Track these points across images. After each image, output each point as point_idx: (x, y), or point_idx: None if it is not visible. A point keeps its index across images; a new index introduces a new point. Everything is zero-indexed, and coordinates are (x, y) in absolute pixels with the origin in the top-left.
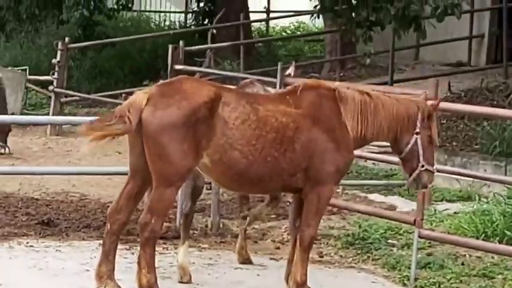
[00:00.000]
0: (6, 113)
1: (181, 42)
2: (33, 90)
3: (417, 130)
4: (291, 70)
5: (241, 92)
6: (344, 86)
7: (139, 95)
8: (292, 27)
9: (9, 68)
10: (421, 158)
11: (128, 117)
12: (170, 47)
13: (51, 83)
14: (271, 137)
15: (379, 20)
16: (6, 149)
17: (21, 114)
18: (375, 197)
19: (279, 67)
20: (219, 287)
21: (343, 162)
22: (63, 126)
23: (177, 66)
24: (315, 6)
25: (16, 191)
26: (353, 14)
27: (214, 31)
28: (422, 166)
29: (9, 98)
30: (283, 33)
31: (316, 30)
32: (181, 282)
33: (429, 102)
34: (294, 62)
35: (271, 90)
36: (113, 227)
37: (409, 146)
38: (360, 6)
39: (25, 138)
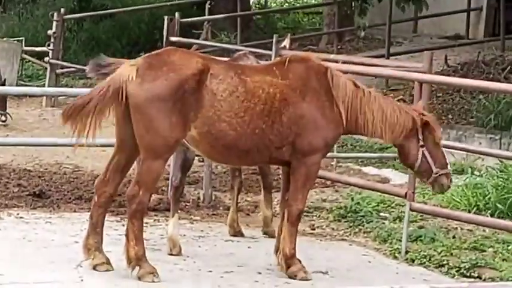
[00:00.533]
0: (2, 83)
1: (177, 14)
2: (29, 61)
3: (421, 143)
4: (286, 42)
5: (229, 63)
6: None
7: (126, 68)
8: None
9: (5, 39)
10: (433, 167)
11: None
12: (166, 18)
13: (47, 54)
14: (259, 109)
15: None
16: (8, 116)
17: (17, 85)
18: (368, 169)
19: (274, 39)
20: (209, 259)
21: (332, 135)
22: (59, 97)
23: (173, 38)
24: None
25: (9, 162)
26: None
27: (212, 3)
28: (437, 173)
29: (5, 69)
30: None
31: (315, 2)
32: (171, 254)
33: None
34: (289, 35)
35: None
36: (100, 200)
37: (419, 161)
38: None
39: (21, 110)
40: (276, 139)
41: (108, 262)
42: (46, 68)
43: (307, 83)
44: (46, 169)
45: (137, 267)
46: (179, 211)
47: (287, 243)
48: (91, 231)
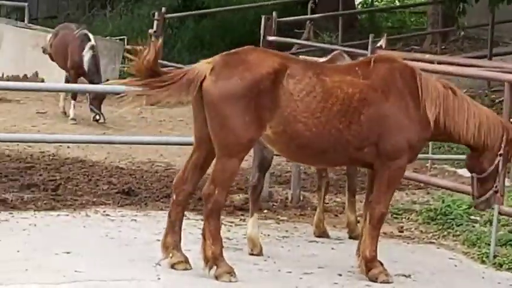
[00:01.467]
0: (100, 80)
1: (274, 13)
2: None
3: (501, 152)
4: (382, 42)
5: (309, 62)
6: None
7: (203, 65)
8: None
9: (107, 37)
10: (497, 181)
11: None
12: (263, 17)
13: None
14: (336, 109)
15: None
16: (101, 116)
17: None
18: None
19: (370, 39)
20: (290, 260)
21: (417, 138)
22: None
23: (270, 38)
24: None
25: (102, 160)
26: None
27: (316, 2)
28: (496, 188)
29: (107, 67)
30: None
31: (420, 1)
32: (251, 254)
33: None
34: (385, 35)
35: None
36: (179, 198)
37: (493, 167)
38: None
39: (120, 108)
40: (354, 140)
41: (186, 261)
42: None
43: (390, 83)
44: (138, 167)
45: (214, 267)
46: (266, 211)
47: (368, 246)
48: (169, 229)
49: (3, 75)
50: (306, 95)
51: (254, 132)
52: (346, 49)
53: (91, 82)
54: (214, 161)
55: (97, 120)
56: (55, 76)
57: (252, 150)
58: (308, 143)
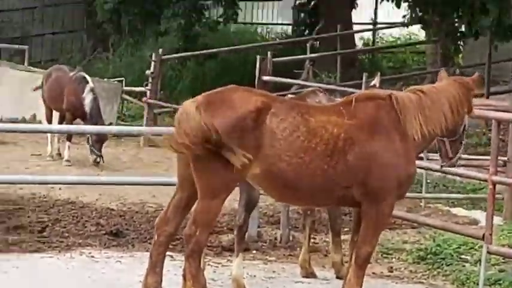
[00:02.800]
0: (103, 123)
1: (268, 54)
2: (131, 102)
3: (466, 110)
4: (375, 81)
5: (293, 102)
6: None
7: (187, 104)
8: (403, 39)
9: (105, 79)
10: (464, 136)
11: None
12: (258, 57)
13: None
14: (320, 149)
15: (471, 30)
16: (102, 159)
17: (117, 124)
18: (457, 210)
19: (363, 78)
20: None
21: (405, 176)
22: (157, 136)
23: (265, 78)
24: (404, 16)
25: (93, 201)
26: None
27: (316, 42)
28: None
29: (105, 109)
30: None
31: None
32: None
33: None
34: (379, 73)
35: (338, 100)
36: (160, 238)
37: (462, 127)
38: (450, 16)
39: (118, 149)
40: (341, 180)
41: None
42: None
43: (375, 121)
44: (129, 208)
45: None
46: (255, 251)
47: (353, 286)
48: (150, 270)
49: (1, 117)
50: (290, 134)
51: (237, 172)
52: (342, 88)
53: (94, 125)
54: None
55: (97, 163)
56: (54, 118)
57: (238, 190)
58: (293, 182)
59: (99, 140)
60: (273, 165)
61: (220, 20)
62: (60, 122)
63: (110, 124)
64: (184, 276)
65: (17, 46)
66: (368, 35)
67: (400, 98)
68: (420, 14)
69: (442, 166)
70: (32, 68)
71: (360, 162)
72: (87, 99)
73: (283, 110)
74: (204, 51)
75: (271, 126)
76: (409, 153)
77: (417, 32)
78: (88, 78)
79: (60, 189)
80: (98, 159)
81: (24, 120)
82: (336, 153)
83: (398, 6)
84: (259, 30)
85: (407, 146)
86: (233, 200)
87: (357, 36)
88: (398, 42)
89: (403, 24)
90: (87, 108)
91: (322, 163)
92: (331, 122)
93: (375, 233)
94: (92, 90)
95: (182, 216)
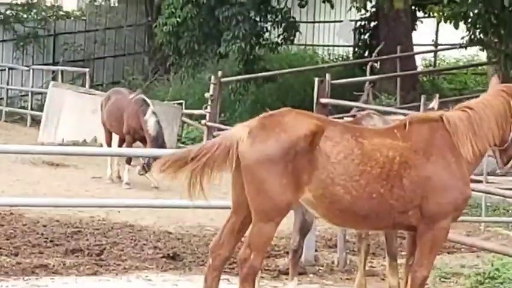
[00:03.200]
0: (165, 146)
1: (327, 75)
2: (191, 124)
3: None
4: (434, 103)
5: (347, 125)
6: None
7: (240, 128)
8: (465, 60)
9: (165, 102)
10: None
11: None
12: (316, 80)
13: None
14: (376, 172)
15: None
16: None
17: (177, 147)
18: None
19: (422, 100)
20: None
21: (461, 199)
22: None
23: (323, 100)
24: (462, 38)
25: (152, 224)
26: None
27: (376, 64)
28: None
29: (164, 132)
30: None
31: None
32: None
33: None
34: (437, 95)
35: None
36: (215, 262)
37: (511, 135)
38: (509, 37)
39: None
40: (397, 203)
41: None
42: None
43: (430, 143)
44: (187, 231)
45: None
46: (312, 275)
47: None
48: None
49: (63, 140)
50: (344, 158)
51: (291, 195)
52: (402, 111)
53: (160, 147)
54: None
55: (141, 174)
56: (113, 141)
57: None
58: (349, 206)
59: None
60: (327, 189)
61: (279, 41)
62: (120, 145)
63: (169, 147)
64: None
65: (79, 69)
66: (429, 56)
67: (452, 118)
68: (479, 35)
69: (497, 174)
70: (93, 90)
71: (416, 187)
72: (150, 122)
73: (337, 133)
74: (264, 74)
75: (324, 150)
76: (464, 175)
77: (479, 53)
78: (148, 100)
79: (119, 212)
80: (143, 172)
81: (85, 143)
82: (392, 176)
83: (456, 27)
84: (320, 52)
85: (462, 167)
86: (291, 224)
87: (419, 58)
88: (461, 63)
89: (460, 46)
90: (151, 131)
91: (378, 186)
92: (385, 145)
93: (431, 256)
94: (154, 113)
95: (237, 239)
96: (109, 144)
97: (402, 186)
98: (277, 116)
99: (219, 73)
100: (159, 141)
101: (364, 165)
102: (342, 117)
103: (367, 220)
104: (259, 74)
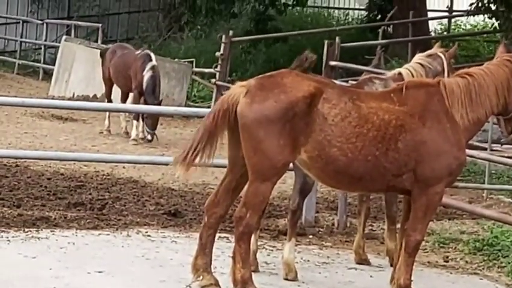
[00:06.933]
0: (153, 102)
1: (337, 39)
2: (201, 83)
3: None
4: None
5: (345, 88)
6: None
7: (237, 88)
8: (480, 27)
9: (176, 60)
10: None
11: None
12: (326, 42)
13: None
14: (372, 135)
15: None
16: (155, 137)
17: (186, 105)
18: None
19: None
20: (324, 286)
21: (456, 164)
22: None
23: (332, 62)
24: (470, 5)
25: (156, 181)
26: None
27: (388, 28)
28: None
29: (174, 89)
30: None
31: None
32: (286, 279)
33: None
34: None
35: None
36: (210, 220)
37: None
38: None
39: (185, 130)
40: (392, 166)
41: (216, 284)
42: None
43: (426, 107)
44: (190, 189)
45: None
46: (311, 236)
47: (403, 273)
48: (200, 251)
49: (73, 94)
50: (341, 120)
51: (288, 156)
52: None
53: (145, 102)
54: (247, 184)
55: (149, 140)
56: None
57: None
58: (343, 168)
59: (149, 117)
60: (323, 150)
61: (289, 3)
62: (124, 101)
63: (178, 105)
64: (233, 258)
65: (93, 24)
66: (445, 22)
67: (449, 84)
68: (487, 3)
69: (501, 143)
70: (105, 46)
71: (411, 150)
72: (146, 76)
73: (334, 96)
74: (274, 35)
75: (322, 112)
76: (459, 140)
77: (494, 21)
78: (152, 56)
79: (124, 167)
80: (150, 137)
81: (95, 98)
82: (387, 139)
83: None
84: (335, 14)
85: (458, 133)
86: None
87: (433, 23)
88: (476, 30)
89: (468, 13)
90: (144, 86)
91: (373, 149)
92: (382, 108)
93: (425, 221)
94: (153, 68)
95: (232, 198)
96: (109, 99)
97: (397, 149)
98: (276, 77)
99: (230, 32)
100: (146, 96)
101: (361, 127)
102: (347, 81)
103: (361, 182)
104: (269, 35)
